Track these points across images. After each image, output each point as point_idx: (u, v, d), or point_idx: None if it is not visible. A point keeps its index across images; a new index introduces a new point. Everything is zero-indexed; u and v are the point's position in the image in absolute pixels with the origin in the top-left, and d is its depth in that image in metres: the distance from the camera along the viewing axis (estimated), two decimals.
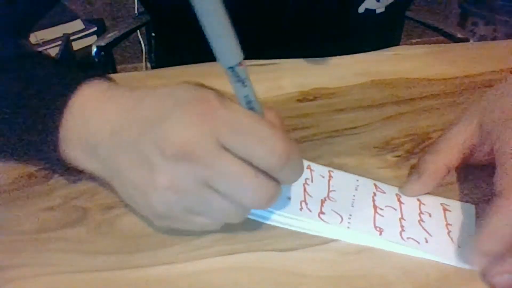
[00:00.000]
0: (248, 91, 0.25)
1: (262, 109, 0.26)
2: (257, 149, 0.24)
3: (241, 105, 0.26)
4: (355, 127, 0.41)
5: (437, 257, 0.28)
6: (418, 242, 0.29)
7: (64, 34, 1.45)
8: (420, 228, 0.30)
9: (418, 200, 0.33)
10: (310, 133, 0.40)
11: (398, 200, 0.32)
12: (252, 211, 0.30)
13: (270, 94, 0.45)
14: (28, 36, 0.47)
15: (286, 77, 0.48)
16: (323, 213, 0.31)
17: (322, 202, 0.32)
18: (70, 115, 0.29)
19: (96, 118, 0.28)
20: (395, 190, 0.33)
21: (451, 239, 0.30)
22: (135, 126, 0.26)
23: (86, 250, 0.29)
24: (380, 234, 0.30)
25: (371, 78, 0.48)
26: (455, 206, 0.32)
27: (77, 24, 1.55)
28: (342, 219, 0.30)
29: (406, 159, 0.36)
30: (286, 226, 0.30)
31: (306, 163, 0.35)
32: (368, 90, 0.46)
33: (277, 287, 0.27)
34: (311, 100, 0.45)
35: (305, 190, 0.32)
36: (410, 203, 0.32)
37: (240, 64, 0.23)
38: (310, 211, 0.31)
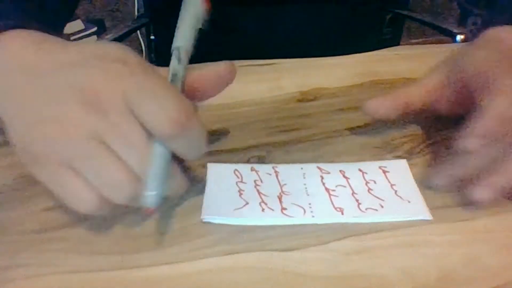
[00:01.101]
0: (180, 70, 0.28)
1: (181, 88, 0.28)
2: (152, 113, 0.24)
3: (167, 76, 0.28)
4: (355, 127, 0.41)
5: (396, 217, 0.31)
6: (376, 210, 0.32)
7: (64, 34, 1.45)
8: (372, 196, 0.33)
9: (360, 170, 0.35)
10: (310, 133, 0.40)
11: (344, 176, 0.35)
12: (218, 219, 0.31)
13: (270, 94, 0.45)
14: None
15: (286, 77, 0.48)
16: (285, 209, 0.32)
17: (279, 198, 0.33)
18: None
19: (8, 55, 0.28)
20: (337, 166, 0.36)
21: (400, 197, 0.33)
22: (52, 63, 0.27)
23: (86, 250, 0.29)
24: (342, 213, 0.31)
25: (371, 78, 0.48)
26: (391, 165, 0.36)
27: (77, 24, 1.55)
28: (304, 210, 0.32)
29: (406, 159, 0.36)
30: (253, 223, 0.31)
31: (248, 165, 0.36)
32: (368, 90, 0.46)
33: (277, 287, 0.27)
34: (311, 100, 0.45)
35: (258, 192, 0.33)
36: (354, 176, 0.35)
37: (186, 51, 0.29)
38: (273, 210, 0.32)
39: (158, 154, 0.25)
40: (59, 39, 0.29)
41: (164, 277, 0.27)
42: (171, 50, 0.29)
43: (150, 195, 0.24)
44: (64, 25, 0.45)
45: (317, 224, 0.31)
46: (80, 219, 0.31)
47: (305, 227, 0.30)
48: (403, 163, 0.36)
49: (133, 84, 0.25)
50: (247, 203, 0.32)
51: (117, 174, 0.25)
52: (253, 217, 0.31)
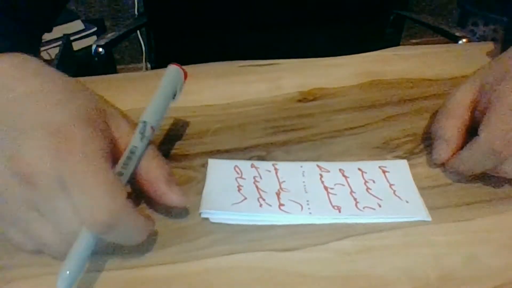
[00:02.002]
0: (140, 147, 0.28)
1: (135, 165, 0.28)
2: (79, 206, 0.24)
3: (125, 151, 0.28)
4: (355, 127, 0.41)
5: (394, 217, 0.31)
6: (374, 209, 0.32)
7: (64, 34, 1.45)
8: (370, 195, 0.33)
9: (360, 169, 0.35)
10: (310, 133, 0.40)
11: (343, 175, 0.35)
12: (215, 213, 0.31)
13: (270, 94, 0.45)
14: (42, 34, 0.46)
15: (286, 77, 0.48)
16: (283, 205, 0.32)
17: (278, 194, 0.33)
18: None
19: None
20: (337, 165, 0.36)
21: (399, 197, 0.33)
22: (7, 120, 0.26)
23: None
24: (340, 212, 0.31)
25: (371, 78, 0.48)
26: (391, 166, 0.36)
27: (77, 24, 1.55)
28: (302, 207, 0.32)
29: (406, 159, 0.36)
30: (252, 223, 0.31)
31: (249, 162, 0.36)
32: (368, 90, 0.46)
33: (277, 287, 0.27)
34: (311, 100, 0.45)
35: (257, 187, 0.33)
36: (354, 175, 0.35)
37: (152, 127, 0.29)
38: (270, 205, 0.32)
39: (82, 239, 0.24)
40: (30, 72, 0.28)
41: (164, 277, 0.27)
42: (138, 121, 0.29)
43: (61, 278, 0.24)
44: (41, 36, 0.43)
45: (317, 224, 0.31)
46: None
47: (305, 227, 0.30)
48: (403, 163, 0.36)
49: (68, 167, 0.24)
50: (245, 198, 0.32)
51: (48, 236, 0.26)
52: (250, 212, 0.31)
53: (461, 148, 0.33)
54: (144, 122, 0.29)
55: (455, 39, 0.79)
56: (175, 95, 0.32)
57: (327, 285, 0.27)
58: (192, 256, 0.28)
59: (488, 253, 0.29)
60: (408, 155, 0.37)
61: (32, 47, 0.31)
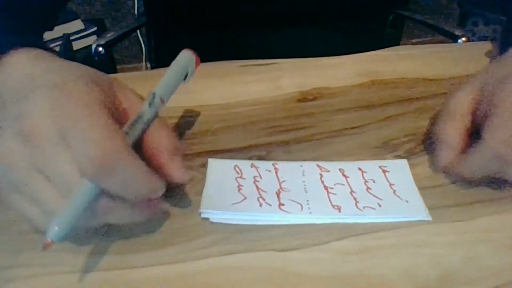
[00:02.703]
0: (148, 113, 0.28)
1: (142, 131, 0.28)
2: (77, 151, 0.24)
3: (133, 116, 0.28)
4: (355, 127, 0.41)
5: (394, 217, 0.31)
6: (374, 209, 0.32)
7: (64, 34, 1.45)
8: (370, 195, 0.33)
9: (360, 169, 0.35)
10: (310, 133, 0.40)
11: (343, 175, 0.35)
12: (215, 213, 0.31)
13: (270, 94, 0.45)
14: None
15: (286, 77, 0.48)
16: (283, 204, 0.32)
17: (278, 194, 0.33)
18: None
19: (4, 84, 0.29)
20: (337, 165, 0.36)
21: (399, 197, 0.33)
22: (14, 96, 0.27)
23: (86, 250, 0.29)
24: (340, 211, 0.31)
25: (371, 78, 0.48)
26: (391, 165, 0.36)
27: (77, 24, 1.55)
28: (302, 206, 0.32)
29: (406, 159, 0.36)
30: (252, 223, 0.31)
31: (249, 162, 0.36)
32: (368, 90, 0.46)
33: (277, 287, 0.27)
34: (311, 100, 0.45)
35: (257, 187, 0.33)
36: (354, 175, 0.35)
37: (161, 99, 0.30)
38: (270, 205, 0.32)
39: (80, 190, 0.24)
40: (43, 61, 0.30)
41: (164, 277, 0.27)
42: (149, 93, 0.30)
43: (52, 228, 0.23)
44: (43, 35, 0.45)
45: (317, 224, 0.31)
46: None
47: (305, 227, 0.30)
48: (404, 163, 0.36)
49: (66, 116, 0.24)
50: (245, 198, 0.32)
51: (50, 199, 0.25)
52: (250, 212, 0.31)
53: (464, 151, 0.33)
54: (154, 93, 0.30)
55: (455, 39, 0.79)
56: (186, 77, 0.33)
57: (327, 285, 0.27)
58: (192, 256, 0.28)
59: (488, 253, 0.29)
60: (408, 155, 0.37)
61: (38, 45, 0.32)
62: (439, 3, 2.06)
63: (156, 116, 0.29)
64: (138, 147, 0.28)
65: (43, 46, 0.32)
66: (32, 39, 0.32)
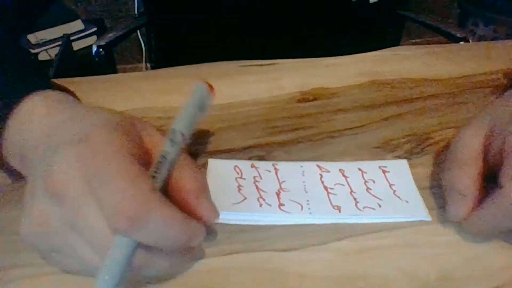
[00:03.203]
0: (172, 152, 0.27)
1: (168, 171, 0.27)
2: (105, 206, 0.23)
3: (157, 157, 0.27)
4: (355, 127, 0.41)
5: (394, 217, 0.31)
6: (374, 209, 0.32)
7: (64, 34, 1.45)
8: (370, 195, 0.33)
9: (360, 169, 0.35)
10: (310, 133, 0.40)
11: (343, 175, 0.35)
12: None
13: (270, 94, 0.45)
14: (21, 36, 0.47)
15: (286, 77, 0.48)
16: (283, 205, 0.32)
17: (278, 194, 0.33)
18: (11, 124, 0.29)
19: (28, 131, 0.29)
20: (337, 165, 0.36)
21: (398, 197, 0.33)
22: (45, 147, 0.26)
23: None
24: (340, 211, 0.31)
25: (371, 78, 0.48)
26: (391, 166, 0.36)
27: (77, 24, 1.55)
28: (302, 206, 0.32)
29: (406, 159, 0.36)
30: (252, 223, 0.31)
31: (249, 162, 0.36)
32: (368, 90, 0.46)
33: (277, 287, 0.27)
34: (311, 100, 0.45)
35: (257, 187, 0.33)
36: (354, 175, 0.35)
37: (182, 134, 0.28)
38: (270, 205, 0.32)
39: (117, 244, 0.23)
40: (65, 106, 0.29)
41: (164, 277, 0.27)
42: (169, 130, 0.29)
43: (99, 282, 0.23)
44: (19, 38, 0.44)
45: (317, 224, 0.31)
46: None
47: (305, 227, 0.30)
48: (404, 163, 0.36)
49: (93, 170, 0.23)
50: (245, 198, 0.32)
51: (87, 257, 0.24)
52: (250, 212, 0.31)
53: (480, 200, 0.29)
54: (173, 129, 0.29)
55: (453, 37, 0.79)
56: (203, 108, 0.32)
57: (327, 285, 0.27)
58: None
59: (488, 253, 0.29)
60: (408, 155, 0.37)
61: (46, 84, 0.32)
62: (439, 3, 2.06)
63: (179, 153, 0.28)
64: (166, 189, 0.27)
65: (51, 85, 0.32)
66: (40, 79, 0.32)
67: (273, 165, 0.36)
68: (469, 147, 0.31)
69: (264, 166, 0.35)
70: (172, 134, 0.28)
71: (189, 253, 0.27)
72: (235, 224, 0.31)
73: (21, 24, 0.45)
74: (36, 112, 0.29)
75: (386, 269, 0.28)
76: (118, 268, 0.23)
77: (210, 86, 0.32)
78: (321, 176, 0.34)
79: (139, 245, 0.23)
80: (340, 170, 0.35)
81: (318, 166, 0.35)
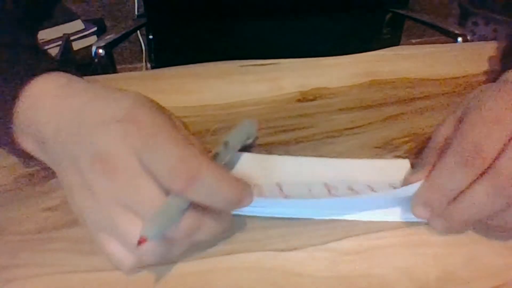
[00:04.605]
0: (223, 153, 0.30)
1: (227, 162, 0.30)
2: (160, 169, 0.23)
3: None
4: (355, 127, 0.41)
5: (394, 217, 0.31)
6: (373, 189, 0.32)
7: (64, 34, 1.45)
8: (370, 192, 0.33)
9: (369, 186, 0.34)
10: (310, 133, 0.40)
11: (350, 189, 0.34)
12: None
13: (270, 94, 0.45)
14: (38, 25, 0.48)
15: (286, 77, 0.48)
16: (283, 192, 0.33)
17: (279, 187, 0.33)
18: (22, 105, 0.30)
19: (45, 114, 0.29)
20: (346, 183, 0.34)
21: (399, 198, 0.32)
22: (75, 128, 0.26)
23: (86, 250, 0.29)
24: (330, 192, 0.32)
25: (371, 78, 0.48)
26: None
27: (77, 24, 1.55)
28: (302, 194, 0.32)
29: (406, 159, 0.36)
30: (251, 214, 0.31)
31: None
32: (368, 90, 0.46)
33: (277, 287, 0.27)
34: (311, 100, 0.45)
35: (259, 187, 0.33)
36: (362, 190, 0.33)
37: (232, 146, 0.32)
38: (271, 191, 0.33)
39: (169, 201, 0.24)
40: (82, 87, 0.30)
41: (164, 277, 0.27)
42: (222, 141, 0.31)
43: (147, 225, 0.23)
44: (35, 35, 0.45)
45: (317, 224, 0.31)
46: None
47: (305, 227, 0.30)
48: (405, 163, 0.36)
49: (144, 145, 0.24)
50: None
51: (132, 237, 0.24)
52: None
53: None
54: (227, 141, 0.32)
55: (453, 37, 0.79)
56: (248, 139, 0.36)
57: (327, 285, 0.27)
58: (192, 256, 0.28)
59: (488, 253, 0.29)
60: (408, 155, 0.37)
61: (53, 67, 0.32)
62: (439, 3, 2.06)
63: (227, 160, 0.30)
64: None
65: (59, 67, 0.32)
66: (48, 62, 0.32)
67: (277, 185, 0.34)
68: (443, 135, 0.32)
69: (268, 186, 0.34)
70: (225, 142, 0.31)
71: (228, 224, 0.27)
72: (235, 224, 0.31)
73: (36, 12, 0.45)
74: (47, 93, 0.29)
75: (386, 269, 0.28)
76: (166, 220, 0.23)
77: (257, 125, 0.37)
78: (329, 192, 0.34)
79: (191, 207, 0.24)
80: (348, 188, 0.34)
81: (325, 186, 0.34)
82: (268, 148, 0.38)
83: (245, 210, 0.31)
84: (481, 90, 0.32)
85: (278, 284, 0.27)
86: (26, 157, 0.32)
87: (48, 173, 0.35)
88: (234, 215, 0.31)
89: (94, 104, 0.27)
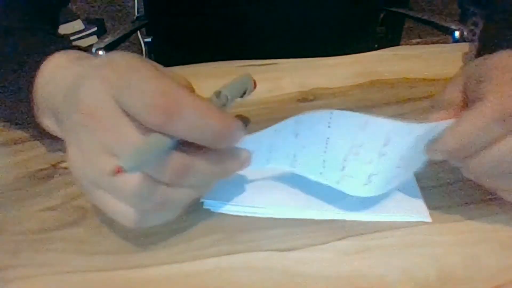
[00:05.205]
0: (215, 102, 0.30)
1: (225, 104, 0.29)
2: (136, 106, 0.23)
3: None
4: None
5: (394, 217, 0.31)
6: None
7: (64, 34, 1.45)
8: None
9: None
10: None
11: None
12: (218, 204, 0.31)
13: (270, 94, 0.45)
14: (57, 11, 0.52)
15: (286, 77, 0.48)
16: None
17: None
18: (39, 83, 0.32)
19: (56, 86, 0.30)
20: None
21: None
22: (71, 90, 0.27)
23: (86, 250, 0.29)
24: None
25: (371, 78, 0.48)
26: None
27: (77, 24, 1.55)
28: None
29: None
30: (251, 214, 0.31)
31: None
32: (368, 90, 0.46)
33: (277, 287, 0.27)
34: (311, 100, 0.45)
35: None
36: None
37: (226, 96, 0.31)
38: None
39: (150, 138, 0.23)
40: (91, 57, 0.31)
41: (164, 277, 0.27)
42: (215, 91, 0.30)
43: (124, 158, 0.22)
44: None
45: (317, 224, 0.31)
46: (80, 219, 0.31)
47: (305, 227, 0.30)
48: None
49: (119, 85, 0.23)
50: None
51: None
52: (251, 203, 0.31)
53: None
54: (219, 90, 0.30)
55: (450, 33, 0.79)
56: (243, 94, 0.34)
57: (327, 285, 0.27)
58: (192, 256, 0.28)
59: (488, 253, 0.29)
60: None
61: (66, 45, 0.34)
62: (439, 3, 2.06)
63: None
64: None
65: (72, 46, 0.34)
66: (62, 42, 0.34)
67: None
68: (447, 98, 0.31)
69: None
70: (217, 92, 0.29)
71: (231, 159, 0.26)
72: (235, 224, 0.31)
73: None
74: (59, 67, 0.31)
75: (386, 269, 0.28)
76: (145, 155, 0.22)
77: (255, 82, 0.36)
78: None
79: (179, 146, 0.23)
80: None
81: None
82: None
83: (245, 211, 0.31)
84: (485, 59, 0.31)
85: (278, 284, 0.27)
86: (47, 137, 0.34)
87: (48, 173, 0.35)
88: (234, 216, 0.31)
89: (93, 66, 0.27)
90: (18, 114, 0.35)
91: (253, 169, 0.29)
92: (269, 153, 0.31)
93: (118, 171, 0.21)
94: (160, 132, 0.23)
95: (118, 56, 0.25)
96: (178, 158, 0.24)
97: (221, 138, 0.24)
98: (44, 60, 0.32)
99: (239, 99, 0.34)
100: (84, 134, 0.24)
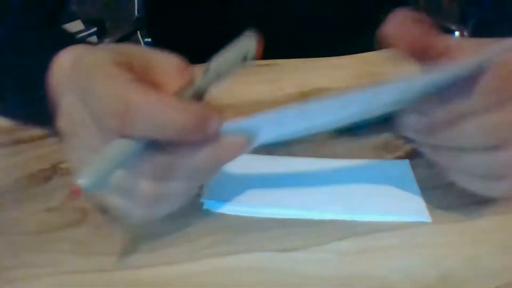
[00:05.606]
0: (199, 81, 0.27)
1: (196, 97, 0.26)
2: (95, 112, 0.22)
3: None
4: (355, 128, 0.40)
5: (394, 217, 0.31)
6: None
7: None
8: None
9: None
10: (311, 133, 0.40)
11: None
12: (218, 203, 0.31)
13: (270, 94, 0.45)
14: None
15: (286, 77, 0.48)
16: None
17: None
18: (52, 82, 0.31)
19: (61, 87, 0.30)
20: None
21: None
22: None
23: (86, 250, 0.29)
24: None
25: (371, 79, 0.48)
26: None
27: (77, 24, 1.55)
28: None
29: (406, 160, 0.36)
30: (251, 215, 0.31)
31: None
32: None
33: (277, 287, 0.27)
34: None
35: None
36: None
37: (217, 74, 0.28)
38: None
39: (111, 145, 0.22)
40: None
41: (164, 277, 0.27)
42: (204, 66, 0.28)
43: (81, 174, 0.21)
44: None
45: (317, 224, 0.31)
46: (80, 219, 0.31)
47: (305, 227, 0.30)
48: (406, 163, 0.36)
49: (82, 91, 0.23)
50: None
51: None
52: (252, 203, 0.31)
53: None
54: (209, 66, 0.28)
55: (450, 33, 0.79)
56: (246, 59, 0.30)
57: (327, 285, 0.27)
58: (192, 256, 0.28)
59: (488, 254, 0.29)
60: (408, 156, 0.37)
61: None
62: (439, 3, 2.06)
63: (207, 88, 0.27)
64: None
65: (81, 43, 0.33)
66: (72, 40, 0.34)
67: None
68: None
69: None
70: (206, 68, 0.27)
71: (221, 146, 0.25)
72: (235, 225, 0.31)
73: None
74: (64, 63, 0.31)
75: (386, 269, 0.28)
76: (103, 166, 0.21)
77: (259, 37, 0.30)
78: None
79: (152, 147, 0.22)
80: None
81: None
82: (268, 148, 0.38)
83: (245, 211, 0.31)
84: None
85: (279, 284, 0.27)
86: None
87: (48, 173, 0.35)
88: (234, 216, 0.31)
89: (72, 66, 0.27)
90: (35, 109, 0.34)
91: (265, 141, 0.29)
92: (278, 126, 0.30)
93: (74, 191, 0.20)
94: (122, 137, 0.22)
95: (88, 55, 0.25)
96: (150, 159, 0.23)
97: (191, 130, 0.22)
98: (57, 56, 0.31)
99: (242, 65, 0.31)
100: (68, 141, 0.25)
